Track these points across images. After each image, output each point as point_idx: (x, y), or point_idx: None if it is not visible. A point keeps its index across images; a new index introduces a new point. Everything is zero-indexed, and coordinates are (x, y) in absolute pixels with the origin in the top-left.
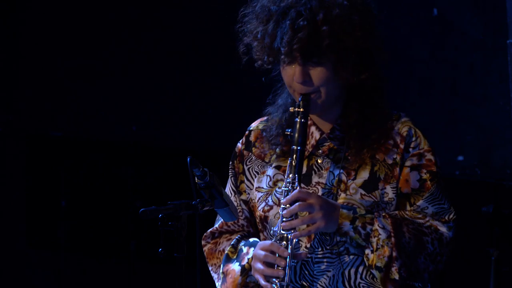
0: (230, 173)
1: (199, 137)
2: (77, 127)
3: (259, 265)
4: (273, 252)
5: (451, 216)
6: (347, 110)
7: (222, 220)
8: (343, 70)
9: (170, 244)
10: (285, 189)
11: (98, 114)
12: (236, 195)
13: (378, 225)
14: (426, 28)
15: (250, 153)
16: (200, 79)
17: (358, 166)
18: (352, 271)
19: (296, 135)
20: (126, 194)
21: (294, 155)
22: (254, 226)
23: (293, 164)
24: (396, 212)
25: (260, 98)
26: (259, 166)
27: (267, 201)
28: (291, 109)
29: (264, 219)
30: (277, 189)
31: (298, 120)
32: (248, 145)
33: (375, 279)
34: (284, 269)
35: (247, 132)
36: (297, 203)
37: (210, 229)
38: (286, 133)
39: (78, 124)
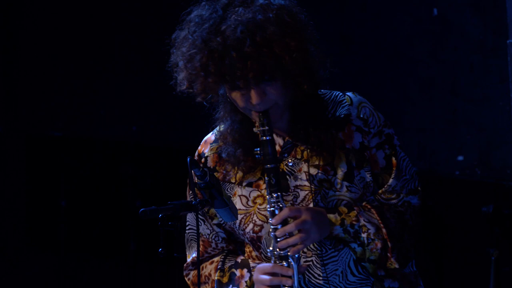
0: (193, 202)
1: (199, 137)
2: (77, 127)
3: None
4: (276, 274)
5: (416, 184)
6: (295, 112)
7: (195, 252)
8: (293, 81)
9: (170, 244)
10: (271, 209)
11: (98, 114)
12: (206, 222)
13: (363, 220)
14: (426, 28)
15: None
16: None
17: (332, 160)
18: (352, 263)
19: (267, 153)
20: (126, 194)
21: (271, 174)
22: (234, 242)
23: (272, 183)
24: (373, 197)
25: None
26: (227, 189)
27: (253, 221)
28: (255, 129)
29: (257, 239)
30: (259, 206)
31: (265, 139)
32: None
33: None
34: (292, 286)
35: (202, 160)
36: (292, 223)
37: (190, 260)
38: (255, 152)
39: (78, 124)
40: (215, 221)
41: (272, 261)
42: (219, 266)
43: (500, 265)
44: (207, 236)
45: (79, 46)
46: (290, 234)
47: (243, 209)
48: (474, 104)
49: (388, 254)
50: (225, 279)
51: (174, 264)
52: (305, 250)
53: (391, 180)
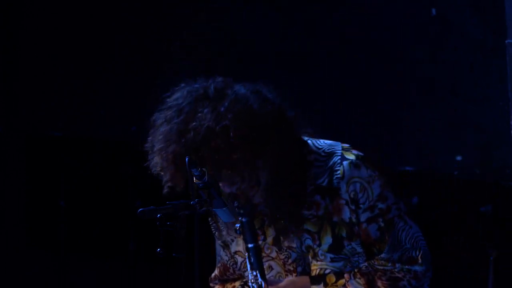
0: (212, 229)
1: None
2: (77, 127)
3: None
4: None
5: (417, 253)
6: (271, 188)
7: (219, 266)
8: (251, 173)
9: (169, 244)
10: (252, 284)
11: (98, 114)
12: (225, 249)
13: None
14: (425, 28)
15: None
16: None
17: (319, 230)
18: None
19: (246, 234)
20: (126, 194)
21: (250, 253)
22: None
23: (251, 261)
24: (366, 264)
25: None
26: (233, 232)
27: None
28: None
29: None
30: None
31: (242, 220)
32: None
33: None
34: None
35: None
36: None
37: (214, 274)
38: (235, 228)
39: (78, 124)
40: (232, 248)
41: None
42: None
43: (499, 265)
44: (226, 262)
45: (79, 46)
46: None
47: (244, 254)
48: (474, 104)
49: None
50: None
51: (174, 264)
52: None
53: (383, 254)
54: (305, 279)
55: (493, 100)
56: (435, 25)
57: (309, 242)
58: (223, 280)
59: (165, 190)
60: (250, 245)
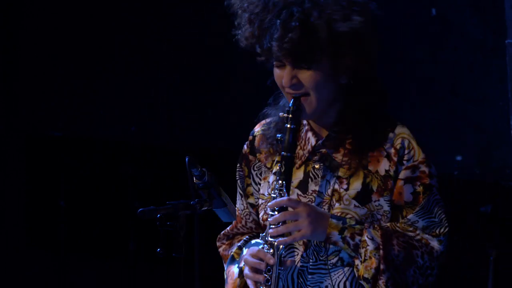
0: (237, 176)
1: (199, 137)
2: (77, 127)
3: (248, 271)
4: (261, 259)
5: (442, 230)
6: (343, 116)
7: (234, 222)
8: (334, 75)
9: (169, 244)
10: (274, 195)
11: (98, 114)
12: (243, 198)
13: (367, 235)
14: (425, 28)
15: (256, 159)
16: (200, 78)
17: (351, 175)
18: (347, 283)
19: (285, 141)
20: (126, 194)
21: (283, 162)
22: (263, 228)
23: (282, 170)
24: (388, 224)
25: (261, 98)
26: (263, 173)
27: (265, 209)
28: (281, 114)
29: (264, 227)
30: (272, 195)
31: (288, 126)
32: (253, 151)
33: None
34: (270, 276)
35: (250, 137)
36: (283, 212)
37: (223, 231)
38: (277, 138)
39: (78, 124)
40: (250, 200)
41: (261, 246)
42: (239, 244)
43: (499, 265)
44: (240, 212)
45: (79, 46)
46: (284, 224)
47: (265, 196)
48: (474, 104)
49: (378, 276)
50: (238, 257)
51: (174, 264)
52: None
53: (411, 215)
54: (326, 212)
55: (493, 100)
56: (435, 25)
57: (336, 186)
58: (232, 235)
59: (242, 44)
60: (287, 154)
